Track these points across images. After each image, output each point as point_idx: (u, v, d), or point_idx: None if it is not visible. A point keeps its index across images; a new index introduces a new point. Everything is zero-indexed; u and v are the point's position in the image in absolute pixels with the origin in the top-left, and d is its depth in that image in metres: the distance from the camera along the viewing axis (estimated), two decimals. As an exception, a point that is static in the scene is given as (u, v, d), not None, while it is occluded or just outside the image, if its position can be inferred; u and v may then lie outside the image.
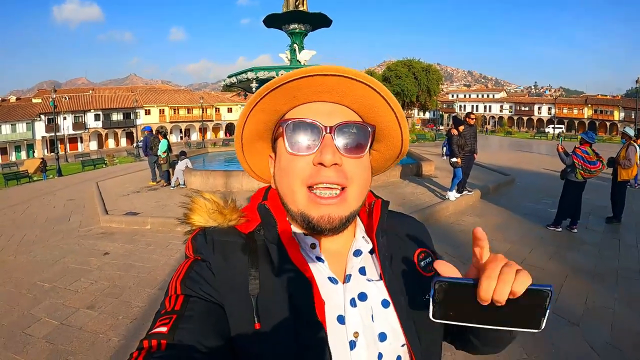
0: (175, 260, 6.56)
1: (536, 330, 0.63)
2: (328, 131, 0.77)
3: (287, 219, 0.86)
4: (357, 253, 0.85)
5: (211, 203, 0.88)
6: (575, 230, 7.66)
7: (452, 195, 9.78)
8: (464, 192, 10.21)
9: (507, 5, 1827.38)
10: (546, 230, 7.76)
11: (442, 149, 11.92)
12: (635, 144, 8.35)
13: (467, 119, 9.93)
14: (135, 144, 47.11)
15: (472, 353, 0.99)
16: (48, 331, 4.52)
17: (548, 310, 0.62)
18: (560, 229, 7.74)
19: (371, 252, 0.88)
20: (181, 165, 12.80)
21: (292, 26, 14.65)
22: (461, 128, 9.64)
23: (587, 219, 8.42)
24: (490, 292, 0.61)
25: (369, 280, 0.83)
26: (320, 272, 0.80)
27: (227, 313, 0.74)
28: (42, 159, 30.91)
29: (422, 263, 0.91)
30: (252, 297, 0.74)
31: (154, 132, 14.41)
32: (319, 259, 0.82)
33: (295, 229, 0.85)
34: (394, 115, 0.84)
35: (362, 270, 0.84)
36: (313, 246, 0.83)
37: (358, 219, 0.92)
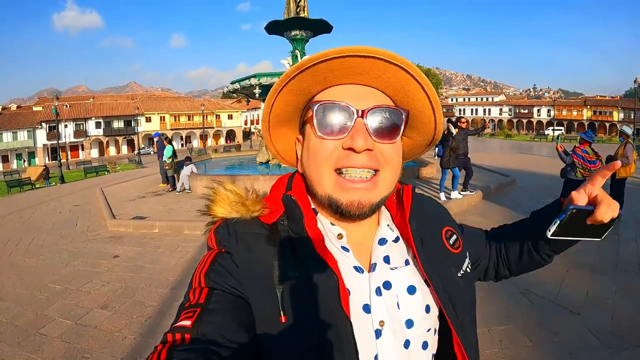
0: (185, 262, 6.65)
1: (599, 239, 0.91)
2: (360, 115, 0.76)
3: (313, 207, 0.86)
4: (382, 242, 0.84)
5: (233, 194, 0.86)
6: (576, 228, 7.70)
7: (456, 194, 10.05)
8: (467, 192, 10.39)
9: (505, 8, 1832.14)
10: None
11: (435, 149, 12.08)
12: (632, 142, 8.44)
13: (458, 123, 10.15)
14: (136, 151, 47.20)
15: (510, 275, 1.18)
16: (63, 331, 4.59)
17: (611, 228, 0.87)
18: (561, 227, 7.79)
19: (395, 240, 0.87)
20: (186, 170, 12.95)
21: (293, 32, 14.85)
22: (455, 130, 9.86)
23: (587, 217, 8.46)
24: (605, 217, 0.83)
25: (392, 269, 0.82)
26: (345, 261, 0.79)
27: (252, 306, 0.73)
28: (45, 166, 30.99)
29: (450, 241, 0.94)
30: (277, 289, 0.73)
31: (165, 136, 14.64)
32: (344, 248, 0.81)
33: (322, 217, 0.85)
34: (428, 101, 0.82)
35: (387, 259, 0.83)
36: (340, 236, 0.82)
37: (383, 207, 0.91)
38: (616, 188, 8.44)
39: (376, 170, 0.77)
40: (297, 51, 14.68)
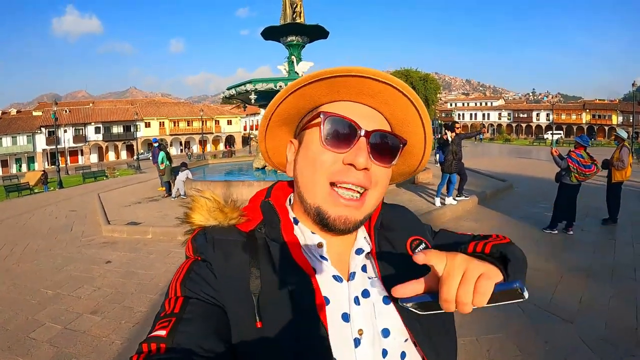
0: (176, 268, 6.58)
1: (522, 300, 0.61)
2: (364, 134, 0.78)
3: (292, 215, 0.87)
4: (359, 251, 0.85)
5: (212, 202, 0.87)
6: (571, 233, 7.76)
7: (451, 200, 10.07)
8: (462, 198, 10.39)
9: (504, 13, 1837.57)
10: (542, 233, 7.87)
11: (436, 155, 12.10)
12: (628, 145, 8.45)
13: (454, 129, 10.20)
14: (135, 157, 47.26)
15: None
16: (52, 335, 4.61)
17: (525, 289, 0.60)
18: (556, 232, 7.85)
19: (371, 251, 0.88)
20: (182, 176, 12.97)
21: (289, 38, 14.87)
22: (452, 135, 9.90)
23: (583, 221, 8.52)
24: (453, 309, 0.62)
25: (370, 278, 0.83)
26: (324, 270, 0.80)
27: (228, 313, 0.73)
28: (44, 171, 30.96)
29: (415, 251, 0.84)
30: (254, 295, 0.73)
31: (163, 143, 14.73)
32: (322, 257, 0.81)
33: (302, 226, 0.85)
34: (423, 136, 0.86)
35: (364, 268, 0.85)
36: (320, 245, 0.82)
37: None
38: (612, 192, 8.45)
39: (365, 189, 0.79)
40: (293, 57, 14.70)
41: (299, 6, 14.96)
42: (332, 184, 0.78)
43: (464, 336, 4.05)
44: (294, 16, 14.79)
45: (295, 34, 14.78)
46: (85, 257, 7.70)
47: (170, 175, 13.92)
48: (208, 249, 0.79)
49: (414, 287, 0.66)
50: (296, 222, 0.86)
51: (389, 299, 0.81)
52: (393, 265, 0.85)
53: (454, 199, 10.24)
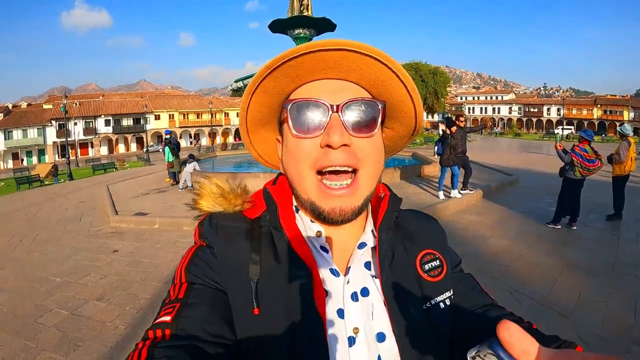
0: (181, 257, 6.70)
1: None
2: (335, 110, 0.73)
3: (294, 204, 0.85)
4: (362, 246, 0.81)
5: (216, 187, 0.87)
6: (575, 228, 7.73)
7: (456, 193, 10.09)
8: (466, 191, 10.41)
9: (516, 6, 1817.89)
10: (545, 228, 7.84)
11: (434, 147, 12.11)
12: (630, 140, 8.38)
13: (457, 122, 10.17)
14: (145, 149, 47.55)
15: None
16: (59, 320, 4.76)
17: None
18: (559, 227, 7.82)
19: (375, 248, 0.82)
20: (189, 168, 13.10)
21: (297, 31, 14.90)
22: (454, 129, 9.89)
23: (588, 217, 8.47)
24: None
25: (373, 277, 0.80)
26: (323, 262, 0.78)
27: (229, 298, 0.74)
28: (54, 163, 31.31)
29: (425, 266, 0.85)
30: (252, 281, 0.73)
31: (173, 136, 14.89)
32: (323, 248, 0.79)
33: (302, 215, 0.83)
34: (406, 90, 0.78)
35: (368, 265, 0.81)
36: (319, 234, 0.80)
37: (369, 213, 0.89)
38: (615, 187, 8.41)
39: (355, 171, 0.75)
40: (300, 50, 14.76)
41: (306, -1, 14.98)
42: (320, 173, 0.75)
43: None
44: (302, 9, 14.82)
45: (302, 26, 14.81)
46: (93, 246, 7.86)
47: (179, 167, 14.12)
48: (212, 234, 0.79)
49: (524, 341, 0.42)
50: (297, 210, 0.84)
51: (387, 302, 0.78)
52: (398, 270, 0.81)
53: (459, 192, 10.23)
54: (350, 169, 0.74)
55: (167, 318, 0.67)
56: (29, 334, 4.50)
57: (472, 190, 10.57)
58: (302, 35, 14.81)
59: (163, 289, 5.44)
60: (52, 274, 6.40)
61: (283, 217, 0.79)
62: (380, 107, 0.77)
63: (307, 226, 0.81)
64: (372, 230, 0.84)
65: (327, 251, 0.79)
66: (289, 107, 0.76)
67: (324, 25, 15.05)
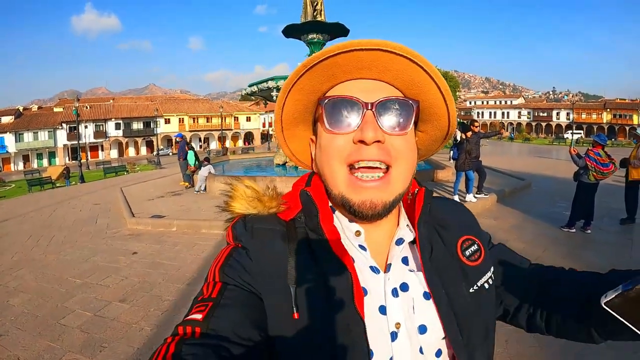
0: (202, 259, 6.77)
1: None
2: (369, 108, 0.74)
3: (330, 205, 0.84)
4: (399, 242, 0.81)
5: (250, 190, 0.87)
6: (589, 231, 7.72)
7: (471, 197, 10.06)
8: (481, 195, 10.39)
9: (525, 10, 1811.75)
10: (560, 231, 7.85)
11: (450, 152, 12.15)
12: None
13: (472, 127, 10.18)
14: (155, 152, 47.83)
15: (545, 334, 0.96)
16: (82, 322, 4.75)
17: None
18: (574, 230, 7.82)
19: (413, 242, 0.83)
20: (204, 171, 13.18)
21: (310, 36, 15.06)
22: (469, 134, 9.93)
23: (602, 220, 8.46)
24: None
25: (411, 271, 0.81)
26: (362, 261, 0.78)
27: (265, 302, 0.73)
28: (66, 165, 31.57)
29: (466, 252, 0.87)
30: (291, 286, 0.72)
31: (186, 139, 15.02)
32: (361, 247, 0.79)
33: (340, 215, 0.83)
34: (439, 92, 0.79)
35: (405, 260, 0.82)
36: (358, 233, 0.80)
37: (402, 208, 0.89)
38: (630, 191, 8.38)
39: (388, 167, 0.75)
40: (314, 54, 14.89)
41: (319, 4, 15.13)
42: (352, 168, 0.75)
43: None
44: (315, 14, 14.94)
45: (316, 31, 14.95)
46: (111, 248, 7.87)
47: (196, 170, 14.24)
48: (247, 237, 0.79)
49: None
50: (334, 210, 0.84)
51: (429, 294, 0.79)
52: (438, 261, 0.82)
53: (474, 196, 10.20)
54: (383, 166, 0.75)
55: (199, 316, 0.67)
56: (53, 335, 4.49)
57: (487, 195, 10.54)
58: (315, 40, 14.94)
59: (186, 291, 5.45)
60: (71, 275, 6.41)
61: (323, 219, 0.79)
62: (414, 106, 0.78)
63: (345, 226, 0.82)
64: (408, 225, 0.85)
65: (365, 250, 0.79)
66: (324, 103, 0.77)
67: (337, 30, 15.17)
